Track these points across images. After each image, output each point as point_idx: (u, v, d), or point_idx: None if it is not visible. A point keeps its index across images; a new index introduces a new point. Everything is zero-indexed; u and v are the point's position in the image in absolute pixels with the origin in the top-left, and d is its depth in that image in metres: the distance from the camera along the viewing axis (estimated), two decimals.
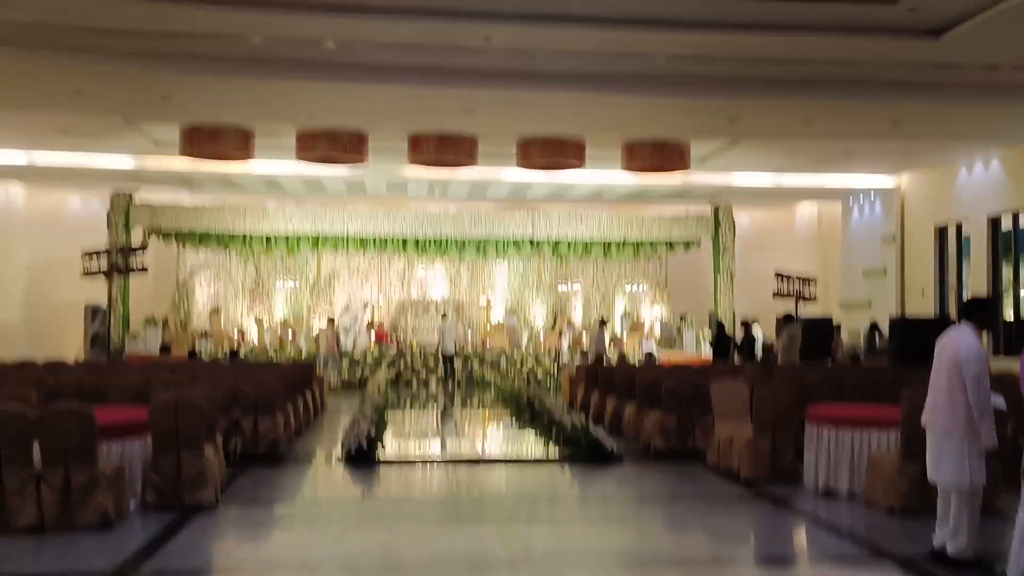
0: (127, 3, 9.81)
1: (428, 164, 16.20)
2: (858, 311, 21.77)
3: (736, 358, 17.66)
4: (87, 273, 17.97)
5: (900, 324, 18.57)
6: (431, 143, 15.49)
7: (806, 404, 8.89)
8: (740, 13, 10.39)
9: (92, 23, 10.47)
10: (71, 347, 21.41)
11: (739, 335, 17.87)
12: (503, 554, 5.82)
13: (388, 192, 21.80)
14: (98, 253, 18.23)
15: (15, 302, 21.54)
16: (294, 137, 15.48)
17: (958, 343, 5.72)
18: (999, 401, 7.17)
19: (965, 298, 6.23)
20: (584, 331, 22.85)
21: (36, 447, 6.49)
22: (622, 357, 16.41)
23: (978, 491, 5.61)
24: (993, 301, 6.13)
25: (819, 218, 25.01)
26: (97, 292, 20.89)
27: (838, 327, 20.27)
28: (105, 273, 17.95)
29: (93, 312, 21.83)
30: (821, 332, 19.12)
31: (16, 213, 22.17)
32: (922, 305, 19.80)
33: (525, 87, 12.45)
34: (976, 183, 18.19)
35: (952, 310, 18.78)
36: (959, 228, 19.09)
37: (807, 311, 19.84)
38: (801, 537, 6.91)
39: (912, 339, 16.37)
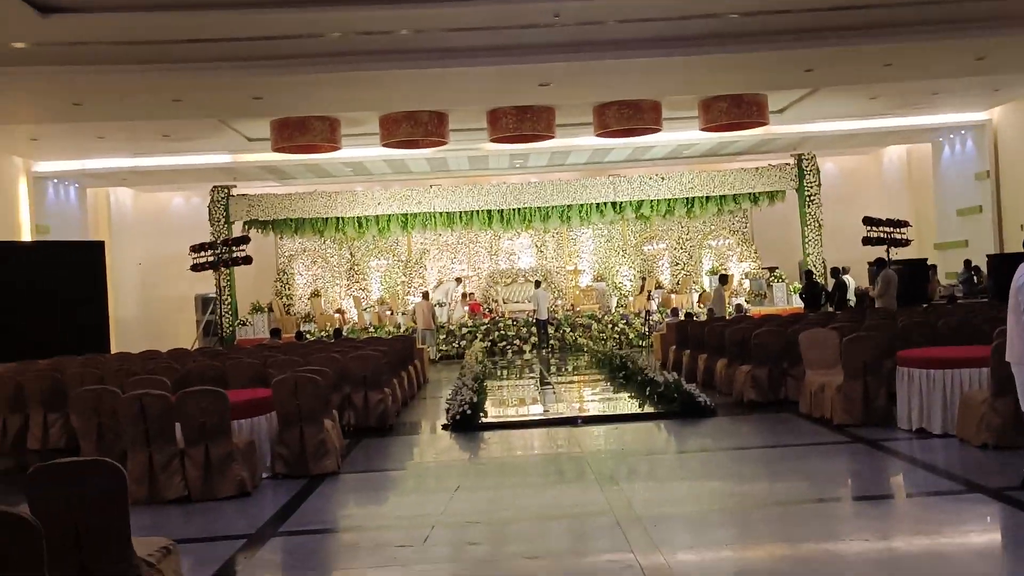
0: (215, 13, 10.48)
1: (507, 139, 16.57)
2: (954, 251, 21.26)
3: (829, 307, 17.54)
4: (196, 267, 19.03)
5: (998, 261, 18.10)
6: (509, 118, 15.85)
7: (897, 348, 9.00)
8: None
9: (185, 36, 11.21)
10: (185, 337, 22.78)
11: (830, 284, 17.74)
12: (606, 507, 6.21)
13: (470, 168, 22.29)
14: (204, 247, 19.28)
15: (131, 299, 23.04)
16: (377, 123, 16.07)
17: (1017, 277, 5.83)
18: None
19: None
20: (672, 292, 22.99)
21: (177, 427, 7.21)
22: (711, 313, 16.54)
23: None
24: None
25: (908, 160, 24.38)
26: (205, 283, 22.15)
27: (933, 268, 19.88)
28: (212, 266, 18.98)
29: (203, 302, 23.17)
30: (916, 275, 18.78)
31: (126, 215, 23.65)
32: (1021, 240, 19.22)
33: (597, 56, 12.65)
34: None
35: None
36: None
37: (900, 255, 19.52)
38: (897, 475, 7.09)
39: (1011, 275, 15.99)
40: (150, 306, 23.73)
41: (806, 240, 22.11)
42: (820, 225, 22.04)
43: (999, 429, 7.08)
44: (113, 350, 17.61)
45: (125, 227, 23.45)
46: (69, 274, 17.33)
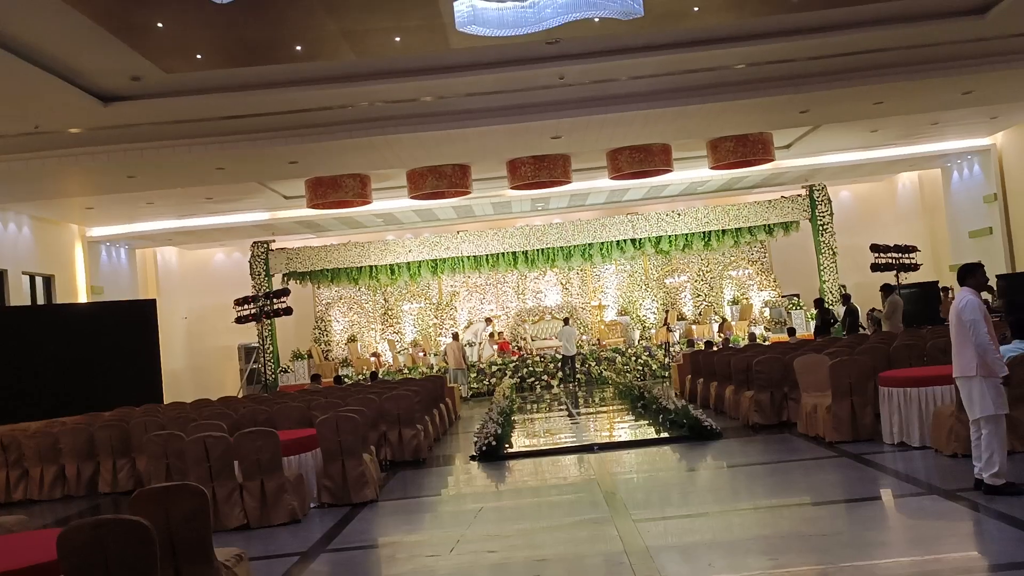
0: (254, 92, 11.73)
1: (527, 186, 17.64)
2: None
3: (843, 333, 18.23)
4: (240, 320, 20.23)
5: (1008, 280, 18.72)
6: (527, 167, 16.96)
7: (883, 369, 9.81)
8: (798, 21, 11.37)
9: (228, 113, 12.48)
10: (230, 386, 24.01)
11: (839, 310, 18.44)
12: (609, 518, 7.09)
13: (494, 212, 23.44)
14: (247, 300, 20.49)
15: (179, 351, 24.35)
16: (405, 177, 17.25)
17: (957, 302, 6.71)
18: None
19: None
20: (694, 323, 23.76)
21: (236, 464, 8.24)
22: (726, 342, 17.33)
23: (1002, 420, 6.54)
24: (980, 264, 7.13)
25: (921, 185, 25.06)
26: (247, 333, 23.40)
27: (945, 290, 20.49)
28: (255, 318, 20.17)
29: (246, 352, 24.41)
30: (927, 297, 19.44)
31: (172, 272, 25.09)
32: None
33: (602, 110, 13.72)
34: None
35: None
36: None
37: (915, 278, 20.18)
38: (870, 483, 7.87)
39: (1022, 293, 16.65)
40: (196, 357, 25.05)
41: (821, 268, 22.83)
42: (835, 253, 22.75)
43: (966, 439, 7.84)
44: (165, 400, 18.81)
45: (171, 284, 24.88)
46: (124, 331, 18.59)
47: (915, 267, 19.23)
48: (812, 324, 20.89)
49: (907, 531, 6.28)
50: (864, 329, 18.21)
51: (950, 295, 20.81)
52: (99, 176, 14.87)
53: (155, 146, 13.51)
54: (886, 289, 16.81)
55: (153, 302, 19.82)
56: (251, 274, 23.14)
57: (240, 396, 17.36)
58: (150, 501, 4.77)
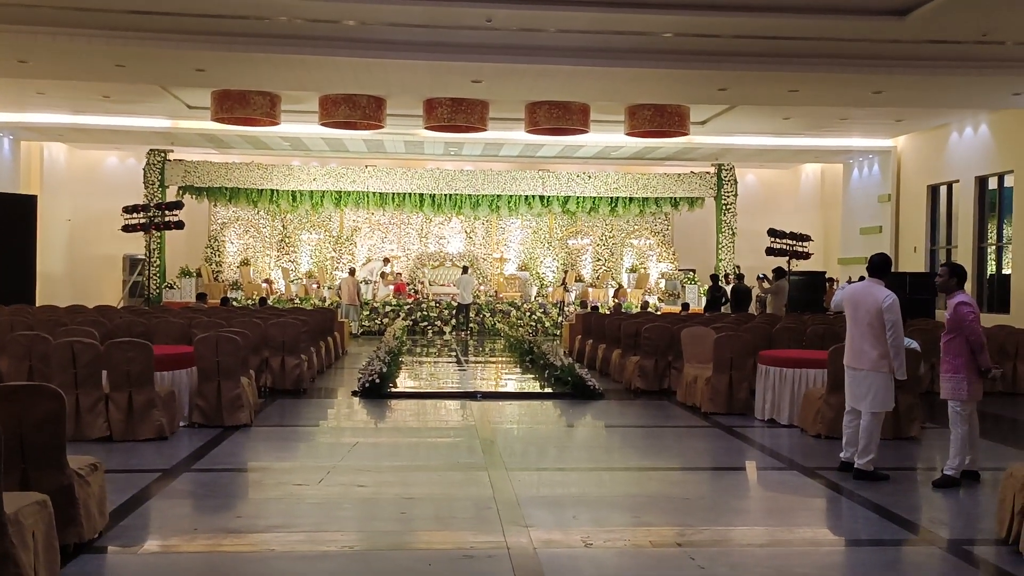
0: None
1: (442, 128, 17.34)
2: (855, 267, 22.81)
3: (730, 309, 18.77)
4: (127, 228, 19.34)
5: (893, 279, 19.62)
6: (444, 108, 16.63)
7: (763, 348, 10.14)
8: None
9: (135, 7, 11.71)
10: (110, 296, 23.01)
11: (729, 288, 18.98)
12: (483, 463, 7.13)
13: (406, 151, 23.00)
14: (137, 209, 19.59)
15: (58, 255, 23.14)
16: (317, 102, 16.68)
17: (878, 296, 6.73)
18: (914, 344, 8.44)
19: (883, 258, 7.23)
20: (591, 286, 24.07)
21: (104, 374, 7.89)
22: (617, 308, 17.62)
23: (884, 415, 6.85)
24: (891, 261, 7.30)
25: (822, 177, 25.92)
26: (134, 244, 22.41)
27: (830, 280, 21.36)
28: (144, 228, 19.32)
29: (131, 263, 23.43)
30: (813, 285, 20.20)
31: (59, 170, 23.69)
32: (914, 261, 20.83)
33: (526, 60, 13.50)
34: (966, 145, 19.08)
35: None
36: (950, 188, 20.03)
37: (806, 266, 20.92)
38: (736, 454, 8.18)
39: (900, 293, 17.45)
40: (77, 263, 23.84)
41: (720, 246, 23.42)
42: (734, 233, 23.37)
43: (831, 421, 8.22)
44: (37, 303, 17.88)
45: (56, 182, 23.48)
46: None
47: (807, 255, 19.93)
48: (704, 299, 21.49)
49: (765, 502, 6.54)
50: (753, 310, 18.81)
51: (834, 286, 21.70)
52: None
53: (52, 31, 12.57)
54: (778, 273, 17.36)
55: (34, 198, 18.77)
56: (144, 183, 22.14)
57: (119, 307, 16.66)
58: (2, 399, 4.49)
